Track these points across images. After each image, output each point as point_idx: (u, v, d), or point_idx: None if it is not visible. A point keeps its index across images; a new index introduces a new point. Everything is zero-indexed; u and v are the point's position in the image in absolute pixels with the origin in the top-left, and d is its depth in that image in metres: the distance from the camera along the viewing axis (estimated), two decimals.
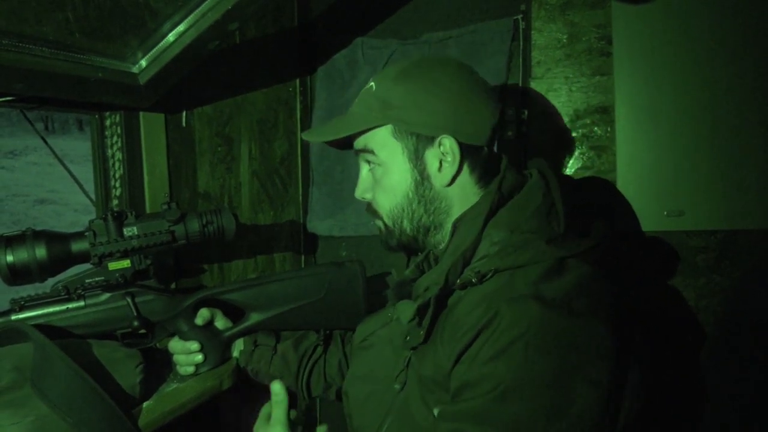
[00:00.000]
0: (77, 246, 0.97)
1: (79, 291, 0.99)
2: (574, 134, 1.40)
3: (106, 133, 1.17)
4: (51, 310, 0.98)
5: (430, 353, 0.83)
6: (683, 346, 1.32)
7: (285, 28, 1.58)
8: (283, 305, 1.10)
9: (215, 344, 1.09)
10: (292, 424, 0.92)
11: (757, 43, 1.27)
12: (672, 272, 1.35)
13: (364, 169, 0.95)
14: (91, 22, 0.96)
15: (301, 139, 1.67)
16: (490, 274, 0.79)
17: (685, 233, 1.34)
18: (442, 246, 0.90)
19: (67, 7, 0.91)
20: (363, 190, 0.95)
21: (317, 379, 1.15)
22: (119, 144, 1.17)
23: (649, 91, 1.33)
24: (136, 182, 1.19)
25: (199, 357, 1.06)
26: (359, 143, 0.92)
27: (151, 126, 1.21)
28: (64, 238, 0.96)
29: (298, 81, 1.65)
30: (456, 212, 0.89)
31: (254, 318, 1.10)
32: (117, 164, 1.18)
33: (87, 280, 0.99)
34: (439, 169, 0.87)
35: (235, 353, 1.14)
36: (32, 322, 0.95)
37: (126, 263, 1.00)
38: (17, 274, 0.92)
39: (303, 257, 1.70)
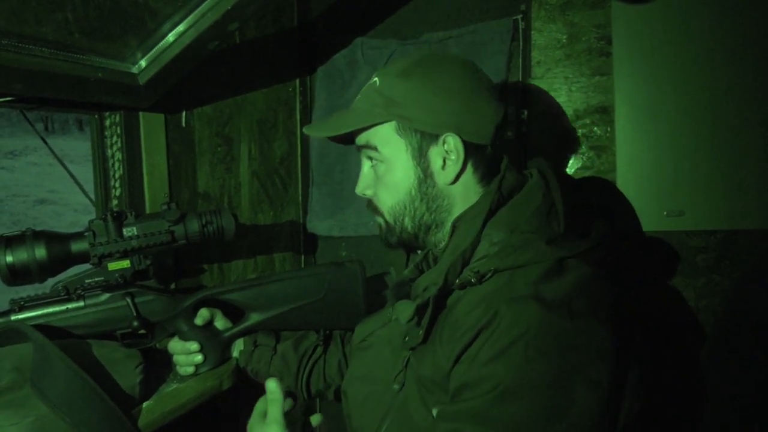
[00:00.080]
0: (77, 246, 0.97)
1: (79, 291, 0.99)
2: (573, 134, 1.40)
3: (106, 133, 1.17)
4: (51, 310, 0.98)
5: (429, 353, 0.83)
6: (683, 346, 1.32)
7: (285, 28, 1.58)
8: (283, 305, 1.10)
9: (215, 344, 1.09)
10: (289, 422, 0.92)
11: (757, 43, 1.27)
12: (672, 272, 1.35)
13: (366, 166, 0.94)
14: (91, 22, 0.96)
15: (301, 139, 1.67)
16: (489, 275, 0.79)
17: (685, 233, 1.34)
18: (442, 245, 0.90)
19: (67, 7, 0.91)
20: (364, 186, 0.94)
21: (317, 379, 1.15)
22: (119, 144, 1.17)
23: (649, 91, 1.33)
24: (136, 182, 1.19)
25: (199, 357, 1.06)
26: (362, 139, 0.91)
27: (151, 126, 1.21)
28: (64, 239, 0.96)
29: (297, 81, 1.65)
30: (457, 211, 0.88)
31: (254, 318, 1.10)
32: (117, 164, 1.18)
33: (87, 281, 0.99)
34: (443, 167, 0.87)
35: (235, 353, 1.14)
36: (32, 323, 0.95)
37: (126, 263, 1.00)
38: (17, 275, 0.92)
39: (303, 257, 1.70)
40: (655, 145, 1.33)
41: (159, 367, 1.08)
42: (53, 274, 0.96)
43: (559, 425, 0.69)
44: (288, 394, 0.96)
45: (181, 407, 1.01)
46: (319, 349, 1.15)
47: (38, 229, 0.96)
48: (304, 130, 0.97)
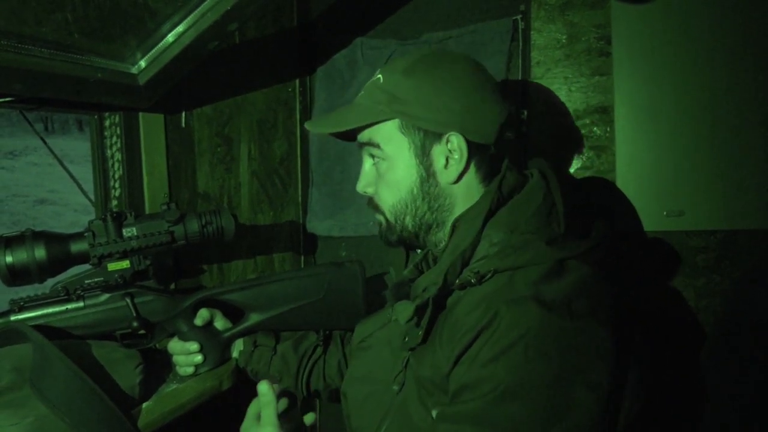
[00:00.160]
0: (76, 247, 0.97)
1: (79, 292, 0.99)
2: (573, 134, 1.40)
3: (106, 133, 1.17)
4: (50, 310, 0.98)
5: (428, 354, 0.83)
6: (683, 346, 1.32)
7: (285, 28, 1.58)
8: (283, 305, 1.10)
9: (215, 345, 1.09)
10: (288, 423, 0.91)
11: (757, 43, 1.27)
12: (672, 272, 1.35)
13: (368, 163, 0.93)
14: (91, 22, 0.96)
15: (301, 139, 1.67)
16: (489, 275, 0.79)
17: (685, 233, 1.34)
18: (442, 245, 0.90)
19: (67, 7, 0.91)
20: (365, 184, 0.94)
21: (317, 379, 1.15)
22: (119, 144, 1.17)
23: (649, 91, 1.33)
24: (136, 183, 1.19)
25: (199, 357, 1.06)
26: (364, 136, 0.91)
27: (151, 126, 1.21)
28: (64, 239, 0.96)
29: (297, 81, 1.64)
30: (459, 210, 0.88)
31: (254, 318, 1.10)
32: (116, 165, 1.18)
33: (86, 281, 0.99)
34: (446, 166, 0.86)
35: (235, 354, 1.14)
36: (32, 323, 0.95)
37: (125, 264, 1.00)
38: (16, 275, 0.92)
39: (302, 257, 1.70)
40: (655, 145, 1.33)
41: (159, 367, 1.08)
42: (53, 275, 0.96)
43: (559, 426, 0.69)
44: (286, 394, 0.96)
45: (181, 408, 1.01)
46: (319, 350, 1.15)
47: (38, 229, 0.96)
48: (306, 125, 0.97)
